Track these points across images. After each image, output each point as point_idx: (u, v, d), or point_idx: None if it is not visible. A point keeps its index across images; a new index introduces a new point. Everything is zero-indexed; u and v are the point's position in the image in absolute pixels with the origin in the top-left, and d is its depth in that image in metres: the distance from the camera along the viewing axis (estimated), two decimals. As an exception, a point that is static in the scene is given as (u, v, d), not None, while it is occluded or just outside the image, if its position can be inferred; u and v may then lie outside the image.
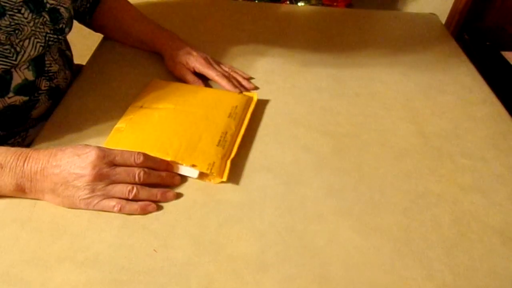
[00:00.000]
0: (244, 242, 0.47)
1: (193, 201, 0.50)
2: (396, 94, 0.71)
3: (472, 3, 1.63)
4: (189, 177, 0.53)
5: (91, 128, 0.59)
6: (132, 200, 0.48)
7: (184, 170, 0.53)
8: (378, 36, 0.88)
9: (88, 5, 0.75)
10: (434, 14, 0.98)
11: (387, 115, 0.66)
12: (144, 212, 0.48)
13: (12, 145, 0.63)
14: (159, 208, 0.49)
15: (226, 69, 0.71)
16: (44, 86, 0.63)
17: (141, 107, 0.61)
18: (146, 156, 0.51)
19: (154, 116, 0.59)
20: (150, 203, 0.49)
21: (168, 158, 0.52)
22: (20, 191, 0.47)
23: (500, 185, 0.56)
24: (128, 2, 0.79)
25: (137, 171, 0.49)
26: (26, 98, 0.60)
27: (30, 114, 0.63)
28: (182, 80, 0.69)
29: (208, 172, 0.52)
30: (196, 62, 0.69)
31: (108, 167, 0.48)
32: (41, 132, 0.58)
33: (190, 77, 0.69)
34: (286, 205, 0.51)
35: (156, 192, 0.50)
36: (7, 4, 0.54)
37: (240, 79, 0.70)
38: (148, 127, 0.57)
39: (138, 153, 0.50)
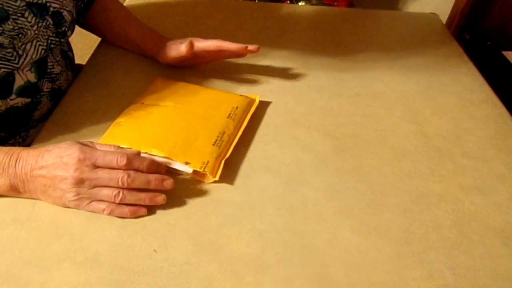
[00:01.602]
0: (244, 242, 0.47)
1: (193, 201, 0.50)
2: (396, 94, 0.71)
3: (473, 3, 1.63)
4: (184, 172, 0.53)
5: (91, 128, 0.59)
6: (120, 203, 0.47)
7: (178, 165, 0.53)
8: (378, 36, 0.88)
9: (82, 5, 0.74)
10: (435, 14, 0.98)
11: (387, 115, 0.66)
12: (135, 216, 0.47)
13: (13, 145, 0.63)
14: (159, 208, 0.49)
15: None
16: (47, 88, 0.63)
17: (143, 103, 0.62)
18: (131, 157, 0.47)
19: (154, 112, 0.60)
20: (140, 207, 0.48)
21: (162, 154, 0.52)
22: (15, 191, 0.48)
23: (501, 185, 0.55)
24: (121, 4, 0.78)
25: (120, 175, 0.46)
26: (28, 100, 0.60)
27: (32, 116, 0.63)
28: (182, 60, 0.67)
29: (201, 170, 0.52)
30: (192, 39, 0.66)
31: (89, 170, 0.46)
32: (41, 132, 0.58)
33: (181, 46, 0.65)
34: (286, 205, 0.51)
35: (144, 197, 0.47)
36: (10, 8, 0.53)
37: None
38: (146, 123, 0.58)
39: (122, 155, 0.47)
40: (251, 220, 0.49)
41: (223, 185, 0.53)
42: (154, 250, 0.45)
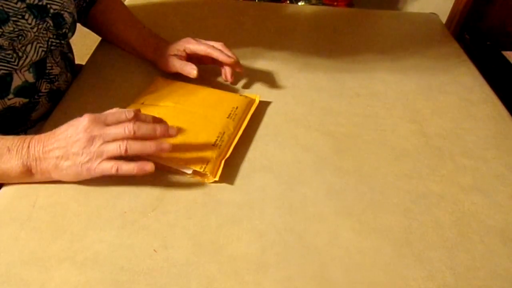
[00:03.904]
0: (244, 242, 0.46)
1: (193, 201, 0.50)
2: (396, 94, 0.71)
3: (472, 2, 1.63)
4: (184, 172, 0.53)
5: (91, 128, 0.59)
6: (126, 157, 0.47)
7: (178, 165, 0.52)
8: (378, 36, 0.88)
9: (84, 4, 0.74)
10: (435, 14, 0.98)
11: (387, 115, 0.66)
12: (142, 171, 0.47)
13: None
14: (159, 208, 0.49)
15: (218, 45, 0.68)
16: (45, 89, 0.63)
17: (143, 103, 0.62)
18: (138, 112, 0.50)
19: (154, 112, 0.59)
20: (147, 162, 0.48)
21: (163, 154, 0.52)
22: (27, 172, 0.48)
23: (500, 185, 0.55)
24: (124, 6, 0.78)
25: (127, 123, 0.48)
26: (26, 100, 0.60)
27: (29, 116, 0.63)
28: (180, 72, 0.67)
29: (201, 171, 0.52)
30: (185, 43, 0.67)
31: (100, 128, 0.47)
32: (41, 132, 0.58)
33: (187, 66, 0.66)
34: (286, 205, 0.51)
35: (150, 144, 0.48)
36: (10, 10, 0.53)
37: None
38: None
39: (130, 109, 0.49)
40: (251, 220, 0.49)
41: (223, 185, 0.53)
42: (154, 250, 0.45)
